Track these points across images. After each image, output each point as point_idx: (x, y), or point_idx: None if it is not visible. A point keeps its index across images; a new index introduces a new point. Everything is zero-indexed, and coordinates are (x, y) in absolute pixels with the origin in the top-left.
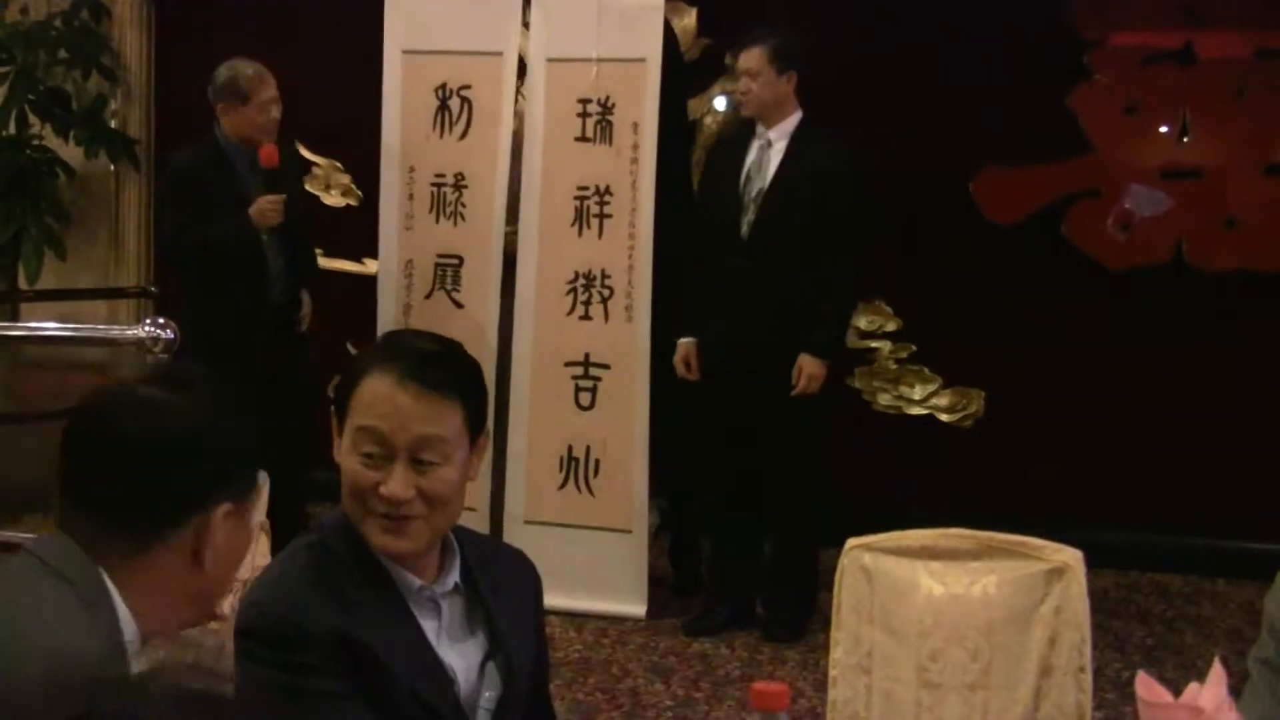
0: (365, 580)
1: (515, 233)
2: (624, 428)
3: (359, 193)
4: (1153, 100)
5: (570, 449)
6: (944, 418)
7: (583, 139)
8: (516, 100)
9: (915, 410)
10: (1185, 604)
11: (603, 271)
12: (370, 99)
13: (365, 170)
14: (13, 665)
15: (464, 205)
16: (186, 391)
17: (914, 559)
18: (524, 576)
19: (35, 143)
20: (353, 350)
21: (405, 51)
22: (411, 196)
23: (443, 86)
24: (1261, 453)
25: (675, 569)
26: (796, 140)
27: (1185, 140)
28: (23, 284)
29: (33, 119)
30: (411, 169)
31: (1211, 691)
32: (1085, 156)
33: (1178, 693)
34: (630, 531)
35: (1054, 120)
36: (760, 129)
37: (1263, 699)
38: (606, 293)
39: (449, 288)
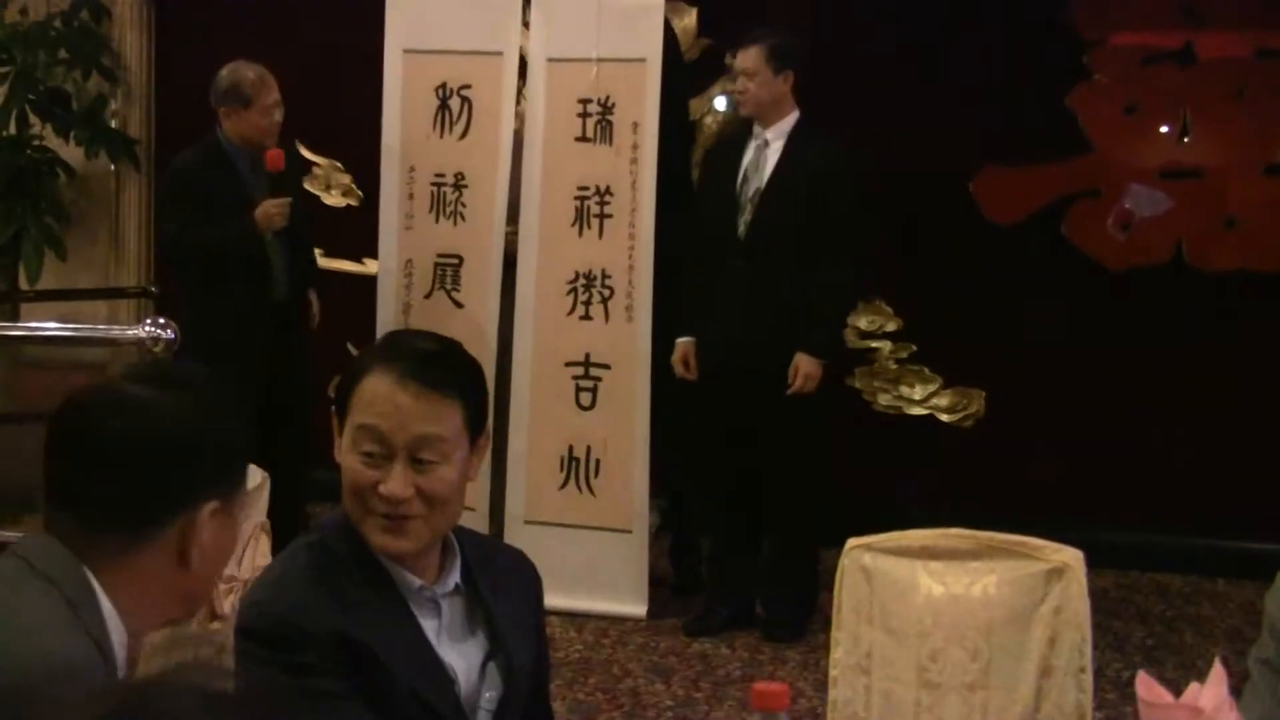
0: (365, 580)
1: (515, 233)
2: (624, 428)
3: (359, 193)
4: (1153, 100)
5: (570, 449)
6: (944, 418)
7: (583, 139)
8: (518, 100)
9: (915, 410)
10: (1185, 604)
11: (603, 271)
12: (370, 99)
13: (365, 170)
14: None
15: (464, 205)
16: (172, 389)
17: (914, 559)
18: (524, 577)
19: (35, 143)
20: (353, 350)
21: (406, 51)
22: (411, 196)
23: (443, 86)
24: (1261, 453)
25: (675, 569)
26: (793, 140)
27: (1185, 140)
28: (23, 284)
29: (33, 119)
30: (411, 168)
31: (1211, 691)
32: (1085, 156)
33: (1178, 693)
34: (630, 531)
35: (1054, 120)
36: (757, 129)
37: (1263, 699)
38: (607, 293)
39: (448, 287)
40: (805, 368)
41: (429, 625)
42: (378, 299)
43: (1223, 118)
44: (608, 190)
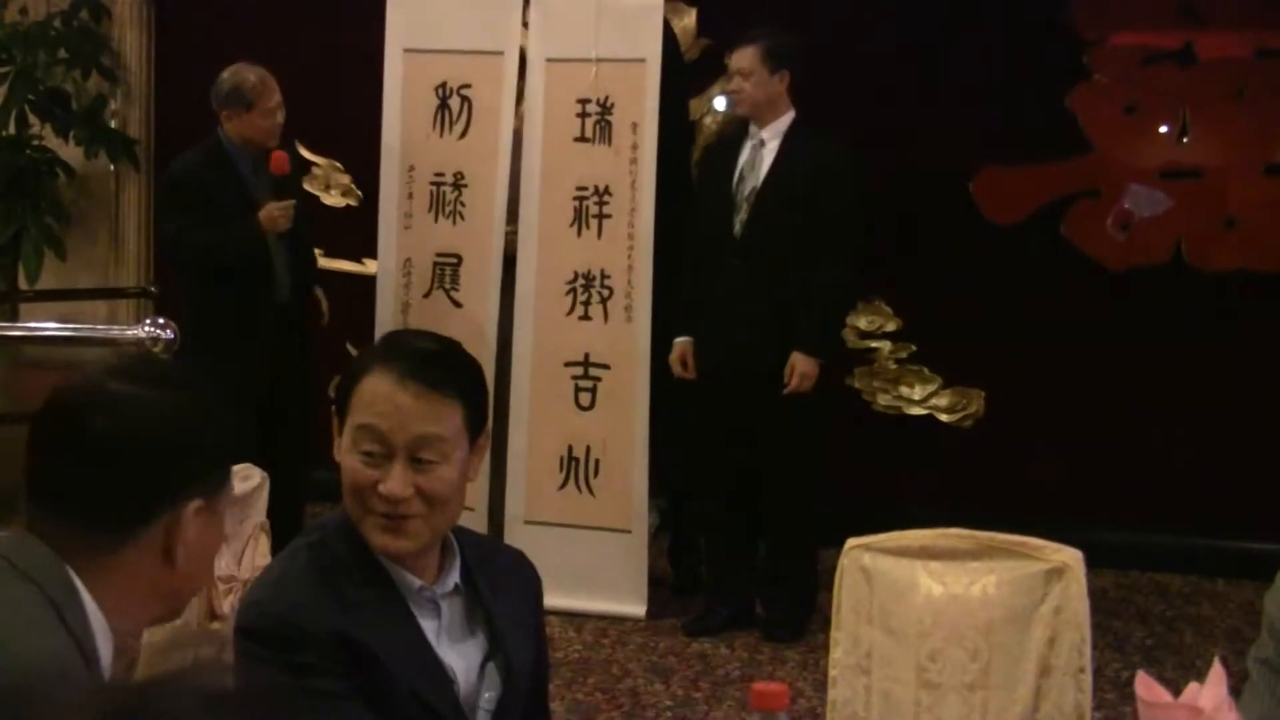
0: (365, 580)
1: (515, 232)
2: (624, 428)
3: (358, 193)
4: (1153, 100)
5: (570, 449)
6: (944, 418)
7: (582, 139)
8: (518, 100)
9: (915, 410)
10: (1185, 604)
11: (602, 272)
12: (370, 99)
13: (365, 170)
14: None
15: (463, 204)
16: (155, 386)
17: (913, 559)
18: (524, 577)
19: (35, 143)
20: (352, 350)
21: (407, 50)
22: (411, 195)
23: (443, 85)
24: (1261, 453)
25: (675, 569)
26: (789, 139)
27: (1185, 140)
28: (23, 284)
29: (33, 119)
30: (411, 168)
31: (1211, 691)
32: (1085, 156)
33: (1177, 693)
34: (630, 531)
35: (1054, 120)
36: (753, 129)
37: (1262, 699)
38: (606, 293)
39: (447, 287)
40: (801, 367)
41: (428, 625)
42: (377, 298)
43: (1223, 118)
44: (607, 190)
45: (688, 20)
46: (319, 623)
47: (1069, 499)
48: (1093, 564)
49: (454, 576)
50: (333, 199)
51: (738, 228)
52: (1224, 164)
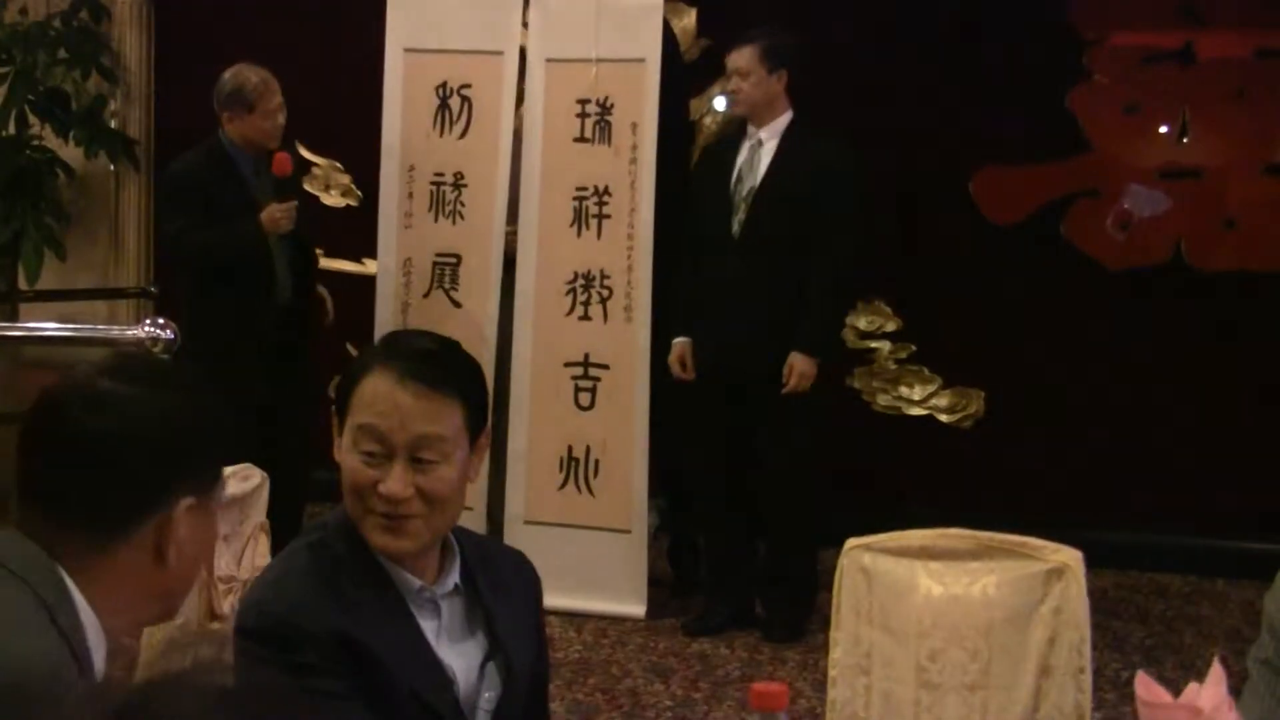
0: (365, 580)
1: (515, 233)
2: (624, 428)
3: (358, 193)
4: (1152, 100)
5: (570, 449)
6: (944, 418)
7: (582, 139)
8: (519, 100)
9: (915, 410)
10: (1185, 604)
11: (602, 272)
12: (370, 99)
13: (365, 170)
14: None
15: (463, 204)
16: (146, 384)
17: (913, 559)
18: (524, 578)
19: (35, 143)
20: (352, 350)
21: (407, 50)
22: (411, 195)
23: (443, 85)
24: (1261, 453)
25: (675, 569)
26: (787, 139)
27: (1185, 140)
28: (23, 284)
29: (32, 119)
30: (411, 167)
31: (1211, 691)
32: (1085, 156)
33: (1177, 693)
34: (630, 531)
35: (1054, 120)
36: (750, 129)
37: (1262, 699)
38: (605, 293)
39: (447, 286)
40: (800, 366)
41: (428, 626)
42: (376, 298)
43: (1222, 118)
44: (606, 190)
45: (688, 20)
46: (319, 623)
47: (1069, 499)
48: (1093, 564)
49: (454, 577)
50: (333, 199)
51: (735, 228)
52: (1224, 164)
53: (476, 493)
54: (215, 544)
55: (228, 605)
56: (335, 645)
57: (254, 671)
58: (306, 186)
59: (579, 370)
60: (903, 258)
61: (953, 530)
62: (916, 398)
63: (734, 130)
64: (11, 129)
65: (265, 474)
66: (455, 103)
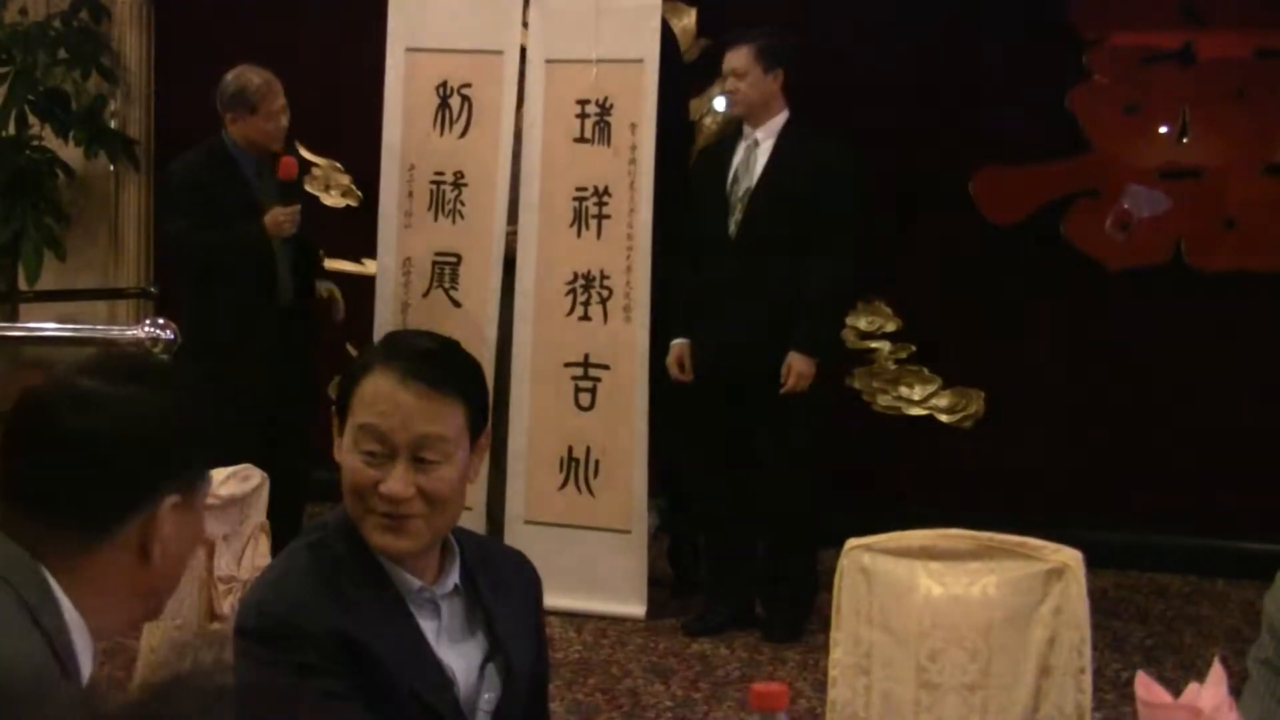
0: (365, 580)
1: (515, 233)
2: (624, 428)
3: (358, 193)
4: (1152, 100)
5: (570, 449)
6: (944, 418)
7: (581, 140)
8: (519, 102)
9: (915, 410)
10: (1185, 604)
11: (601, 272)
12: (370, 99)
13: (365, 170)
14: None
15: (463, 204)
16: (127, 382)
17: (913, 559)
18: (524, 578)
19: (35, 143)
20: (352, 350)
21: (408, 49)
22: (411, 194)
23: (444, 84)
24: (1261, 453)
25: (675, 569)
26: (783, 139)
27: (1185, 140)
28: (23, 284)
29: (32, 119)
30: (411, 166)
31: (1211, 692)
32: (1085, 156)
33: (1177, 693)
34: (630, 532)
35: (1054, 120)
36: (747, 129)
37: (1262, 699)
38: (605, 293)
39: (447, 286)
40: (798, 366)
41: (428, 626)
42: (376, 298)
43: (1222, 118)
44: (606, 191)
45: (687, 20)
46: (319, 623)
47: (1069, 499)
48: (1093, 564)
49: (454, 577)
50: (333, 199)
51: (732, 228)
52: (1224, 164)
53: (476, 493)
54: (200, 542)
55: (228, 605)
56: (335, 645)
57: (254, 672)
58: (307, 187)
59: (579, 370)
60: (903, 258)
61: (953, 530)
62: (916, 398)
63: (731, 131)
64: (11, 129)
65: (265, 474)
66: (455, 102)
